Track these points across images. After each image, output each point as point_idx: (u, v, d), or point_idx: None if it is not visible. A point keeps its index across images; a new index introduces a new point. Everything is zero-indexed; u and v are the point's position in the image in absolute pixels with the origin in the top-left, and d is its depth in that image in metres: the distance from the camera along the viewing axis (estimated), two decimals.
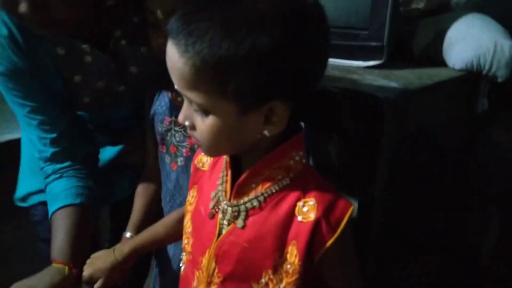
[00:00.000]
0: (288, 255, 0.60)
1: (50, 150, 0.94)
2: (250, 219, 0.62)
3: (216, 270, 0.64)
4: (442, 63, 1.27)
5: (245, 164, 0.64)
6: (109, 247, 0.91)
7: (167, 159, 0.93)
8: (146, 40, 0.87)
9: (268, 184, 0.62)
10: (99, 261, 0.84)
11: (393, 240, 1.15)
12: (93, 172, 0.98)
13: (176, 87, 0.59)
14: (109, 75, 0.96)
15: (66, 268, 0.85)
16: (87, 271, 0.84)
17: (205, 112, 0.57)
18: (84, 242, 0.93)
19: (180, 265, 0.75)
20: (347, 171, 1.13)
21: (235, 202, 0.64)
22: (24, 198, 1.10)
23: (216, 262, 0.64)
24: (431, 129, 1.32)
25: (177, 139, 0.90)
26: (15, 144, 1.50)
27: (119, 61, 0.95)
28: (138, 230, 0.92)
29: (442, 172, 1.50)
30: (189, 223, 0.73)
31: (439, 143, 1.36)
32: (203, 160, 0.74)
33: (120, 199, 1.13)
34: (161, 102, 0.93)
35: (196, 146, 0.79)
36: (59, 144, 0.95)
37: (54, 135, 0.94)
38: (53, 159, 0.95)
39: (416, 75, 1.21)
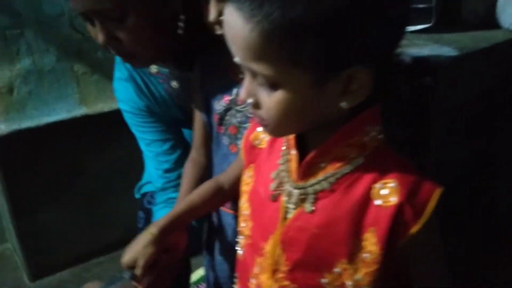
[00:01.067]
0: (365, 243, 0.53)
1: (162, 180, 1.00)
2: (320, 202, 0.55)
3: (283, 258, 0.58)
4: (495, 25, 1.15)
5: (312, 141, 0.56)
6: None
7: (225, 140, 0.85)
8: None
9: (339, 164, 0.54)
10: (136, 244, 0.73)
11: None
12: None
13: (237, 59, 0.50)
14: None
15: None
16: (126, 256, 0.73)
17: (273, 85, 0.49)
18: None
19: (237, 248, 0.69)
20: (400, 141, 1.06)
21: (301, 184, 0.56)
22: (140, 188, 1.19)
23: (283, 249, 0.58)
24: (487, 94, 1.22)
25: (238, 119, 0.82)
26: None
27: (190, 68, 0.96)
28: None
29: (497, 139, 1.41)
30: (246, 204, 0.66)
31: (494, 108, 1.26)
32: (260, 136, 0.66)
33: None
34: (217, 76, 0.84)
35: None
36: (170, 175, 1.00)
37: (167, 165, 1.00)
38: (164, 188, 1.00)
39: (469, 38, 1.09)
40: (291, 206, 0.57)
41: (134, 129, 1.02)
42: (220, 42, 0.76)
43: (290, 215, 0.57)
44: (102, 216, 1.81)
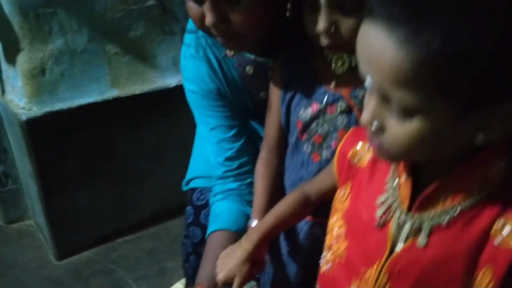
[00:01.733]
0: (478, 279, 0.52)
1: (223, 169, 0.97)
2: (434, 237, 0.53)
3: (388, 286, 0.57)
4: None
5: (428, 170, 0.54)
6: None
7: (306, 148, 0.83)
8: None
9: (459, 198, 0.52)
10: (230, 259, 0.76)
11: None
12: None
13: (371, 81, 0.47)
14: None
15: None
16: (221, 274, 0.76)
17: (409, 114, 0.46)
18: None
19: (321, 262, 0.69)
20: None
21: (418, 215, 0.54)
22: (188, 182, 1.14)
23: (389, 279, 0.57)
24: None
25: (325, 129, 0.79)
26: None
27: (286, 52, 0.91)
28: (263, 215, 0.84)
29: None
30: (341, 222, 0.65)
31: None
32: (360, 154, 0.64)
33: None
34: (304, 82, 0.81)
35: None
36: (232, 163, 0.97)
37: (229, 153, 0.96)
38: (224, 177, 0.97)
39: None
40: (402, 237, 0.55)
41: (199, 112, 0.99)
42: (313, 44, 0.74)
43: (400, 246, 0.56)
44: (130, 197, 1.81)
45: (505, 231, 0.50)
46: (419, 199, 0.54)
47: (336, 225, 0.66)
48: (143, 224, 1.89)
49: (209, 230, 0.94)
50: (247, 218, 0.93)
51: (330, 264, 0.67)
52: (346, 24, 0.68)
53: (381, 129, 0.50)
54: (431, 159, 0.52)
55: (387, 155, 0.52)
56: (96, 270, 1.69)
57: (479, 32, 0.41)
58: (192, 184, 1.14)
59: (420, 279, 0.55)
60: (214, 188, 0.99)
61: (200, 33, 0.90)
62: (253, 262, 0.76)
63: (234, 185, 0.96)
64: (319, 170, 0.79)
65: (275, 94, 0.86)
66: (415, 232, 0.55)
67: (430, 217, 0.54)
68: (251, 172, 0.96)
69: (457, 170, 0.51)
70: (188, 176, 1.17)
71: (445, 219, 0.53)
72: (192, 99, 0.98)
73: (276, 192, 0.90)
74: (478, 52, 0.41)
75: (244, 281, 0.75)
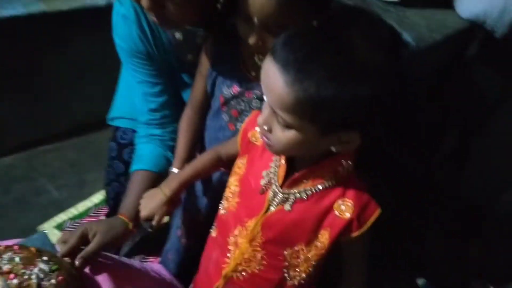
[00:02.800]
0: (320, 236, 0.76)
1: (146, 116, 1.07)
2: (296, 205, 0.76)
3: (260, 234, 0.80)
4: (450, 6, 1.42)
5: (300, 161, 0.75)
6: None
7: (225, 116, 0.98)
8: None
9: (317, 182, 0.74)
10: (151, 201, 0.93)
11: None
12: (174, 146, 1.07)
13: (268, 101, 0.65)
14: None
15: (130, 224, 0.98)
16: (143, 212, 0.93)
17: (289, 127, 0.65)
18: None
19: (220, 207, 0.89)
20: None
21: (286, 190, 0.76)
22: (113, 119, 1.23)
23: (262, 229, 0.79)
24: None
25: (242, 107, 0.95)
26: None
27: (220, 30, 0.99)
28: (183, 164, 1.01)
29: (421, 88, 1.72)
30: (236, 183, 0.85)
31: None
32: (256, 135, 0.82)
33: None
34: (231, 67, 0.94)
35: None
36: (155, 114, 1.07)
37: (153, 105, 1.06)
38: (148, 124, 1.08)
39: (426, 21, 1.31)
40: (274, 202, 0.78)
41: (126, 64, 1.06)
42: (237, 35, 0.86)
43: (273, 208, 0.78)
44: (52, 109, 1.85)
45: (343, 207, 0.75)
46: (290, 180, 0.76)
47: (233, 184, 0.86)
48: (65, 135, 1.95)
49: (133, 168, 1.07)
50: (168, 161, 1.08)
51: (225, 210, 0.88)
52: (271, 41, 0.79)
53: (269, 131, 0.69)
54: (301, 156, 0.73)
55: (271, 149, 0.72)
56: (17, 175, 1.76)
57: (339, 89, 0.59)
58: (117, 123, 1.24)
59: (282, 231, 0.78)
60: (138, 130, 1.11)
61: None
62: (170, 202, 0.95)
63: (157, 131, 1.08)
64: (232, 136, 0.95)
65: (204, 66, 0.99)
66: (284, 200, 0.77)
67: (295, 193, 0.76)
68: (173, 121, 1.08)
69: (319, 164, 0.73)
70: (113, 113, 1.26)
71: (305, 195, 0.75)
72: (121, 52, 1.05)
73: (195, 146, 1.06)
74: (336, 101, 0.60)
75: (161, 218, 0.94)
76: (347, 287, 0.84)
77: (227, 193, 0.88)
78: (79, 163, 1.87)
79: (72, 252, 0.86)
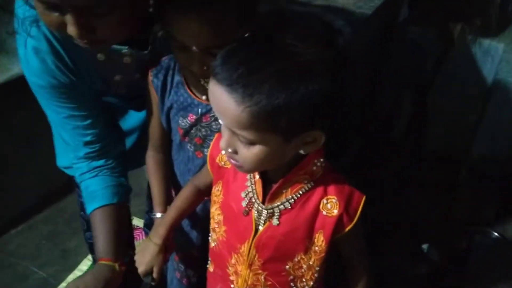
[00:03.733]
0: (315, 240, 0.75)
1: (84, 150, 0.97)
2: (283, 217, 0.74)
3: (257, 256, 0.78)
4: None
5: (273, 172, 0.73)
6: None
7: (190, 147, 0.95)
8: None
9: (296, 188, 0.73)
10: (145, 255, 0.90)
11: None
12: (125, 169, 1.01)
13: (224, 124, 0.63)
14: (145, 66, 0.94)
15: (116, 265, 0.91)
16: (141, 268, 0.90)
17: (252, 143, 0.63)
18: (125, 237, 0.99)
19: (210, 240, 0.87)
20: None
21: (269, 205, 0.74)
22: (68, 168, 1.09)
23: (257, 251, 0.77)
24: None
25: (203, 133, 0.92)
26: None
27: (154, 52, 0.92)
28: (165, 206, 0.98)
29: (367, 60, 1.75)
30: (219, 211, 0.82)
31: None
32: (225, 158, 0.80)
33: None
34: (179, 96, 0.91)
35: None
36: (93, 146, 0.96)
37: (88, 138, 0.95)
38: (87, 157, 0.97)
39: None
40: (261, 221, 0.76)
41: (49, 103, 0.92)
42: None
43: (261, 227, 0.76)
44: (10, 187, 1.75)
45: (329, 206, 0.74)
46: (269, 194, 0.74)
47: (215, 213, 0.84)
48: (33, 210, 1.87)
49: (90, 209, 0.97)
50: (123, 187, 1.00)
51: (215, 242, 0.85)
52: None
53: (235, 152, 0.67)
54: (275, 166, 0.71)
55: (242, 169, 0.70)
56: None
57: (289, 93, 0.58)
58: (69, 172, 1.12)
59: (277, 247, 0.76)
60: (78, 166, 0.99)
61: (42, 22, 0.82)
62: (164, 250, 0.91)
63: (100, 162, 0.98)
64: (204, 163, 0.92)
65: (153, 101, 0.96)
66: (270, 216, 0.75)
67: (278, 205, 0.74)
68: (114, 149, 1.00)
69: (292, 170, 0.72)
70: (61, 164, 1.13)
71: (288, 204, 0.74)
72: (39, 92, 0.92)
73: (169, 182, 1.03)
74: (290, 105, 0.59)
75: (161, 268, 0.91)
76: (355, 281, 0.83)
77: (213, 224, 0.85)
78: (56, 234, 1.80)
79: None
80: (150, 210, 1.44)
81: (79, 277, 0.91)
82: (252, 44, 0.61)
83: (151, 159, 1.02)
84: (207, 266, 0.92)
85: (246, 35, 0.62)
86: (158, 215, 0.99)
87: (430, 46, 1.94)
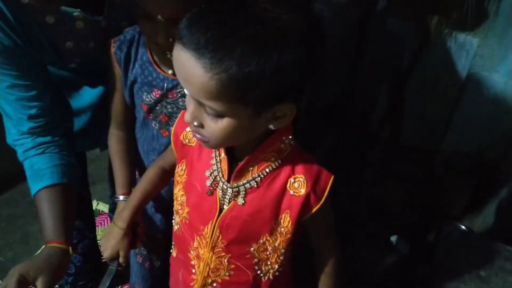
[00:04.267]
0: (282, 221, 0.72)
1: (28, 125, 0.88)
2: (249, 196, 0.71)
3: (220, 237, 0.74)
4: None
5: (240, 149, 0.69)
6: (110, 179, 0.99)
7: (155, 125, 0.90)
8: None
9: (263, 166, 0.69)
10: (110, 239, 0.86)
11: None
12: (73, 148, 0.93)
13: (189, 93, 0.59)
14: (100, 34, 0.87)
15: (70, 248, 0.86)
16: (106, 253, 0.86)
17: (220, 116, 0.59)
18: (74, 220, 0.93)
19: (174, 223, 0.82)
20: None
21: (235, 184, 0.70)
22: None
23: (220, 232, 0.73)
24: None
25: (169, 110, 0.88)
26: None
27: (111, 19, 0.85)
28: (128, 188, 0.93)
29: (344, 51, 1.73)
30: (182, 192, 0.78)
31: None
32: (189, 136, 0.76)
33: None
34: (143, 70, 0.86)
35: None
36: (38, 120, 0.88)
37: (33, 111, 0.88)
38: (31, 133, 0.89)
39: None
40: (226, 200, 0.72)
41: None
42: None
43: (226, 207, 0.72)
44: None
45: (296, 185, 0.70)
46: (235, 172, 0.70)
47: (178, 194, 0.79)
48: None
49: (36, 188, 0.89)
50: (73, 167, 0.93)
51: (179, 225, 0.81)
52: None
53: (201, 126, 0.62)
54: (240, 143, 0.67)
55: (208, 144, 0.65)
56: None
57: (262, 61, 0.53)
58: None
59: (242, 228, 0.72)
60: (22, 143, 0.91)
61: None
62: (129, 233, 0.87)
63: (46, 138, 0.91)
64: (169, 142, 0.86)
65: (115, 75, 0.90)
66: (235, 195, 0.71)
67: (244, 183, 0.70)
68: (61, 127, 0.94)
69: (259, 147, 0.68)
70: (9, 141, 1.01)
71: (255, 183, 0.70)
72: None
73: (132, 162, 0.97)
74: (262, 74, 0.54)
75: (127, 253, 0.87)
76: (323, 264, 0.80)
77: (176, 206, 0.81)
78: (16, 217, 1.73)
79: None
80: (113, 194, 1.39)
81: (30, 260, 0.83)
82: (223, 7, 0.56)
83: (113, 137, 0.96)
84: (171, 251, 0.88)
85: None
86: (121, 197, 0.94)
87: (407, 38, 1.94)
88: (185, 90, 0.61)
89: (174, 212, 0.82)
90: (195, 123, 0.61)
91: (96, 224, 1.55)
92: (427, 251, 1.68)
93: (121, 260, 0.87)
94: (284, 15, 0.55)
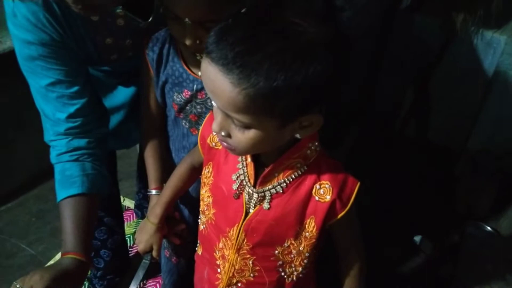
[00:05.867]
0: (306, 226, 0.72)
1: (65, 125, 0.89)
2: (274, 201, 0.72)
3: (245, 240, 0.75)
4: None
5: (267, 155, 0.70)
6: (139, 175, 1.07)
7: (185, 124, 0.93)
8: None
9: (288, 172, 0.70)
10: (143, 234, 0.91)
11: None
12: (105, 155, 0.95)
13: (218, 106, 0.60)
14: (138, 33, 0.90)
15: (87, 262, 0.84)
16: (141, 247, 0.91)
17: (247, 127, 0.60)
18: (92, 233, 0.96)
19: (199, 223, 0.84)
20: None
21: (260, 189, 0.71)
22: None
23: (246, 235, 0.75)
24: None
25: (198, 110, 0.90)
26: None
27: (151, 21, 0.86)
28: (160, 183, 0.97)
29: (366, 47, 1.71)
30: (208, 194, 0.80)
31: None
32: (216, 139, 0.77)
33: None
34: (174, 71, 0.88)
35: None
36: (76, 120, 0.89)
37: (72, 109, 0.88)
38: (68, 133, 0.89)
39: None
40: (251, 204, 0.73)
41: (35, 67, 0.85)
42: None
43: (251, 211, 0.73)
44: (6, 163, 1.74)
45: (322, 191, 0.71)
46: (261, 178, 0.71)
47: (205, 195, 0.81)
48: (23, 189, 1.85)
49: (63, 194, 0.87)
50: (103, 177, 0.93)
51: (204, 225, 0.83)
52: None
53: (228, 136, 0.63)
54: (269, 150, 0.68)
55: (234, 152, 0.67)
56: None
57: (289, 75, 0.54)
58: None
59: (267, 232, 0.74)
60: (56, 144, 0.90)
61: None
62: (161, 228, 0.92)
63: (82, 142, 0.90)
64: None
65: (148, 75, 0.93)
66: (261, 199, 0.72)
67: (270, 189, 0.71)
68: (97, 126, 0.94)
69: (285, 154, 0.69)
70: (47, 138, 1.02)
71: (280, 188, 0.71)
72: (26, 50, 0.84)
73: (164, 158, 1.00)
74: (289, 88, 0.55)
75: (159, 246, 0.92)
76: (348, 268, 0.80)
77: (202, 206, 0.83)
78: (46, 212, 1.79)
79: None
80: (139, 191, 1.42)
81: (49, 267, 0.80)
82: (249, 21, 0.57)
83: (146, 134, 0.99)
84: (196, 248, 0.90)
85: (243, 10, 0.58)
86: (154, 192, 0.98)
87: (432, 35, 1.90)
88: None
89: (200, 212, 0.84)
90: (223, 133, 0.63)
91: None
92: (451, 252, 1.67)
93: (154, 253, 0.92)
94: (310, 28, 0.55)
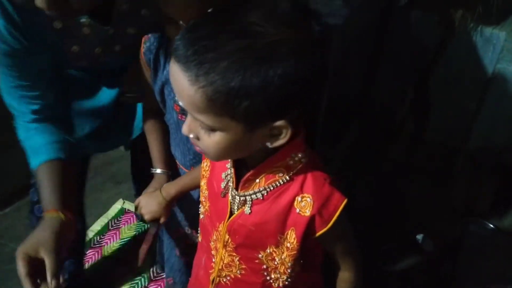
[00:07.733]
0: (288, 236, 0.58)
1: (31, 117, 0.85)
2: (255, 207, 0.58)
3: (229, 240, 0.63)
4: None
5: (250, 160, 0.57)
6: (134, 179, 1.03)
7: None
8: (147, 2, 0.74)
9: (270, 180, 0.56)
10: (153, 204, 0.88)
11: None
12: (71, 133, 0.88)
13: (183, 106, 0.49)
14: (106, 40, 0.80)
15: (62, 214, 0.76)
16: (148, 215, 0.88)
17: (212, 129, 0.48)
18: (72, 191, 0.87)
19: (200, 212, 0.78)
20: None
21: (242, 192, 0.58)
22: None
23: (229, 235, 0.62)
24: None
25: None
26: None
27: (118, 26, 0.77)
28: (164, 163, 0.89)
29: (365, 45, 1.68)
30: (205, 187, 0.70)
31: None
32: None
33: (137, 135, 1.05)
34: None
35: None
36: (39, 113, 0.86)
37: (36, 107, 0.84)
38: (34, 121, 0.86)
39: None
40: (235, 206, 0.60)
41: None
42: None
43: (235, 212, 0.61)
44: (3, 167, 1.57)
45: (303, 204, 0.55)
46: (241, 182, 0.56)
47: (203, 187, 0.70)
48: (21, 192, 1.63)
49: (35, 163, 0.82)
50: (71, 145, 0.87)
51: (203, 215, 0.72)
52: None
53: (197, 138, 0.51)
54: (241, 157, 0.56)
55: (208, 156, 0.54)
56: None
57: (248, 74, 0.45)
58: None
59: (248, 236, 0.60)
60: (24, 126, 0.87)
61: None
62: (170, 206, 0.89)
63: (46, 123, 0.86)
64: None
65: (146, 74, 0.84)
66: (243, 203, 0.58)
67: (250, 194, 0.57)
68: (64, 118, 0.88)
69: (266, 161, 0.53)
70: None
71: (261, 195, 0.56)
72: None
73: (167, 142, 0.91)
74: (249, 89, 0.44)
75: (167, 218, 0.91)
76: (342, 278, 0.71)
77: (201, 197, 0.72)
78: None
79: (35, 282, 0.72)
80: (137, 193, 1.40)
81: (29, 237, 0.73)
82: (213, 20, 0.48)
83: (148, 120, 0.91)
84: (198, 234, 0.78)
85: (209, 10, 0.49)
86: (159, 170, 0.89)
87: (431, 32, 1.87)
88: None
89: (201, 202, 0.74)
90: (191, 135, 0.51)
91: (123, 222, 1.44)
92: (451, 249, 1.65)
93: (161, 221, 0.89)
94: (271, 30, 0.46)
